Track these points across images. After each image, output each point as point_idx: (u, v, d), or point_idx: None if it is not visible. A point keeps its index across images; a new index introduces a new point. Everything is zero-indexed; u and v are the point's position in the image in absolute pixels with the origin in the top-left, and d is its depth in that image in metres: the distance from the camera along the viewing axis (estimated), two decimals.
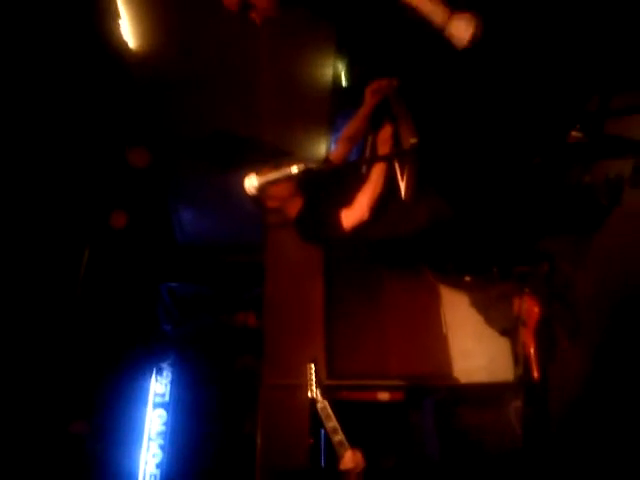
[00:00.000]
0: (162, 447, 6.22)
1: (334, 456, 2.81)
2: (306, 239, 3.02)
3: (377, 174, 2.69)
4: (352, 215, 2.72)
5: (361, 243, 3.07)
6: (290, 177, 2.17)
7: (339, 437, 2.80)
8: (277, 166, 2.46)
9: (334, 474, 2.78)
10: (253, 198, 2.52)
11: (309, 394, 2.92)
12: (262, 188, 2.30)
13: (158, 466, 6.11)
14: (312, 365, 2.99)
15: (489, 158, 2.71)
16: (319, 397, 2.90)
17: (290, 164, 2.15)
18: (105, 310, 5.02)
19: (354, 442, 2.82)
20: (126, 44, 4.05)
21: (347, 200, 2.77)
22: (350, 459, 2.76)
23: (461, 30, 2.17)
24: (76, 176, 4.53)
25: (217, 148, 5.03)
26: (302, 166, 2.10)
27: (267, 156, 4.93)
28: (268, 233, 4.39)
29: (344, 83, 4.13)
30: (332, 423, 2.82)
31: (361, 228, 2.75)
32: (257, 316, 6.26)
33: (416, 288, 4.06)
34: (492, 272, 3.38)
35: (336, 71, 4.20)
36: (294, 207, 2.91)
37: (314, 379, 2.94)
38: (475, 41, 2.16)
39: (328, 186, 2.93)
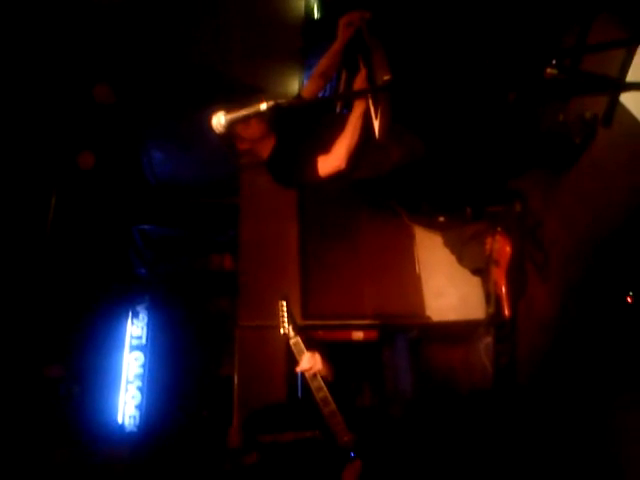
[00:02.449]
0: (140, 389, 6.30)
1: (310, 391, 2.85)
2: (279, 181, 2.97)
3: (354, 123, 2.63)
4: (329, 164, 2.69)
5: (335, 185, 3.03)
6: (259, 114, 2.07)
7: (299, 346, 2.87)
8: (246, 104, 2.37)
9: (310, 405, 2.83)
10: (222, 137, 2.44)
11: (281, 330, 2.94)
12: (230, 126, 2.22)
13: (137, 407, 6.21)
14: (283, 302, 3.00)
15: (463, 94, 2.66)
16: (291, 333, 2.93)
17: (259, 101, 2.06)
18: (77, 254, 4.95)
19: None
20: None
21: (322, 142, 2.72)
22: (307, 360, 2.83)
23: None
24: (40, 116, 4.35)
25: (186, 84, 4.87)
26: (271, 102, 2.01)
27: (238, 92, 4.78)
28: (242, 174, 4.32)
29: (316, 15, 3.97)
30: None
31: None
32: (233, 258, 6.25)
33: (390, 229, 4.07)
34: (465, 212, 3.39)
35: (308, 3, 4.03)
36: (266, 147, 2.84)
37: (286, 316, 2.96)
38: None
39: (301, 125, 2.86)
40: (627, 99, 2.54)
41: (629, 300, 2.48)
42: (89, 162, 4.84)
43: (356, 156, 2.69)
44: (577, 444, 2.82)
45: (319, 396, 2.79)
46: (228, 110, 2.22)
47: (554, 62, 2.40)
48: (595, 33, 2.58)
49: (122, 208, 5.90)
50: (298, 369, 2.86)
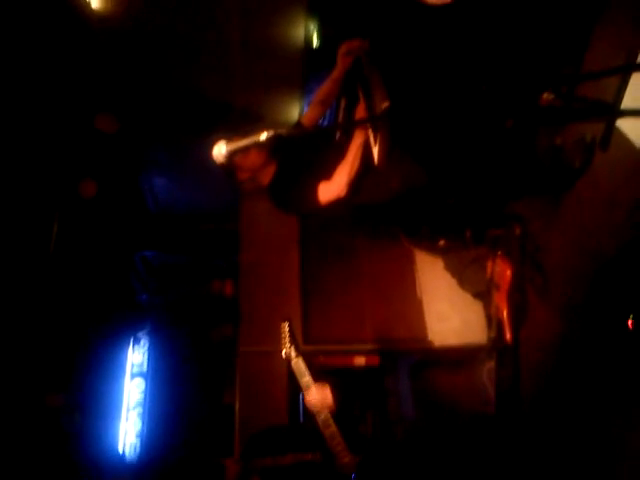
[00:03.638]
0: (141, 416, 6.24)
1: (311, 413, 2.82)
2: (280, 207, 2.99)
3: (355, 152, 2.66)
4: (329, 192, 2.71)
5: (335, 211, 3.05)
6: (259, 144, 2.11)
7: (306, 379, 2.83)
8: (247, 133, 2.40)
9: (311, 427, 2.80)
10: (223, 167, 2.48)
11: (283, 352, 2.92)
12: (231, 156, 2.25)
13: (138, 435, 6.15)
14: (286, 323, 2.99)
15: (462, 121, 2.68)
16: (293, 354, 2.90)
17: (260, 131, 2.09)
18: (79, 281, 4.94)
19: None
20: (89, 5, 3.89)
21: (322, 169, 2.74)
22: (315, 393, 2.77)
23: None
24: (42, 144, 4.39)
25: (187, 112, 4.92)
26: (271, 132, 2.03)
27: (239, 120, 4.83)
28: (243, 201, 4.35)
29: (315, 44, 4.03)
30: (306, 379, 2.83)
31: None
32: (234, 284, 6.24)
33: (391, 253, 4.08)
34: (465, 236, 3.40)
35: (308, 32, 4.09)
36: (267, 174, 2.87)
37: (288, 337, 2.94)
38: None
39: (301, 152, 2.89)
40: (622, 123, 2.57)
41: (629, 324, 2.48)
42: (91, 190, 4.86)
43: (356, 183, 2.71)
44: (580, 466, 2.80)
45: (320, 418, 2.77)
46: (229, 140, 2.26)
47: (550, 88, 2.44)
48: (593, 54, 2.63)
49: (124, 235, 5.91)
50: (306, 402, 2.78)
